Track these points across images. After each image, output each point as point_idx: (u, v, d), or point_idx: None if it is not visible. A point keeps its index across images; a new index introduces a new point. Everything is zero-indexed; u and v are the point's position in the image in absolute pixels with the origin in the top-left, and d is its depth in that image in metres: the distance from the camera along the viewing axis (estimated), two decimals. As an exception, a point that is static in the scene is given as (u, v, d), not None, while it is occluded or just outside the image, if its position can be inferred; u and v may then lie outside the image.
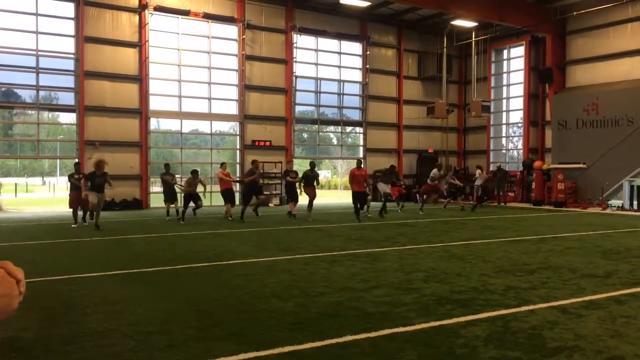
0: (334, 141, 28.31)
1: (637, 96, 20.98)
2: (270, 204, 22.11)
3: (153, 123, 22.71)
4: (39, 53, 19.82)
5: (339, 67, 25.80)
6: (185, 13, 21.86)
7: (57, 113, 22.91)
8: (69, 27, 20.40)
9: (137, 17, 21.25)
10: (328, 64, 25.51)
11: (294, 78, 24.34)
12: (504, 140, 28.17)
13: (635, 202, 20.35)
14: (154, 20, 21.57)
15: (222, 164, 17.61)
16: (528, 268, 8.12)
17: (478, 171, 21.45)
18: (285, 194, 17.34)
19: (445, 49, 26.47)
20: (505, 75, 27.34)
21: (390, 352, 4.33)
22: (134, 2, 21.12)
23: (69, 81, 20.58)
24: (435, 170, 19.36)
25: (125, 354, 4.34)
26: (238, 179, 18.09)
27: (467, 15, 22.86)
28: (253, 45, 23.39)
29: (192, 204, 15.85)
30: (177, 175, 17.97)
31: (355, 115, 26.71)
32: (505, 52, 27.16)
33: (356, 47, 26.19)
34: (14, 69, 19.71)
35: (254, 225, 14.62)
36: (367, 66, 26.03)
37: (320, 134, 26.52)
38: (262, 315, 5.45)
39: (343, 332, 4.82)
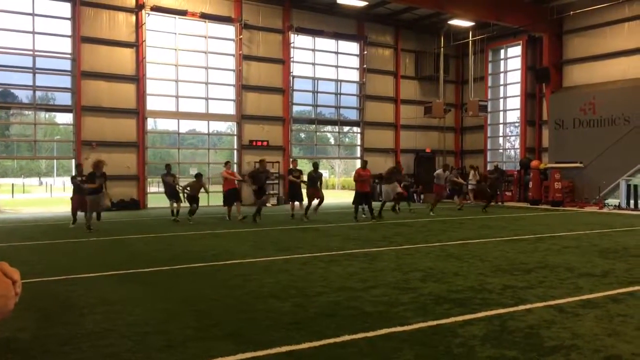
0: (332, 141, 28.32)
1: (633, 95, 21.02)
2: (267, 204, 22.08)
3: (150, 123, 22.67)
4: (36, 53, 19.77)
5: (337, 66, 25.80)
6: (182, 13, 21.83)
7: (53, 113, 22.85)
8: (66, 27, 20.36)
9: (133, 17, 21.22)
10: (325, 63, 25.51)
11: (292, 78, 24.33)
12: (501, 139, 28.20)
13: (632, 201, 20.40)
14: (150, 20, 21.54)
15: (227, 163, 17.35)
16: (525, 267, 8.14)
17: (472, 172, 21.47)
18: (289, 194, 16.97)
19: (442, 49, 26.49)
20: (502, 75, 27.37)
21: (388, 352, 4.33)
22: (130, 2, 21.08)
23: (66, 81, 20.54)
24: (440, 171, 19.35)
25: (123, 354, 4.34)
26: (242, 179, 17.53)
27: (464, 15, 22.88)
28: (250, 45, 23.38)
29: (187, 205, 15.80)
30: (177, 176, 17.71)
31: (353, 115, 26.72)
32: (502, 51, 27.19)
33: (353, 47, 26.19)
34: (11, 69, 19.66)
35: (251, 225, 14.61)
36: (365, 66, 26.04)
37: (318, 133, 26.51)
38: (260, 315, 5.45)
39: (340, 332, 4.83)
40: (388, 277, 7.39)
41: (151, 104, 21.77)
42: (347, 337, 4.69)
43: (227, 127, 24.48)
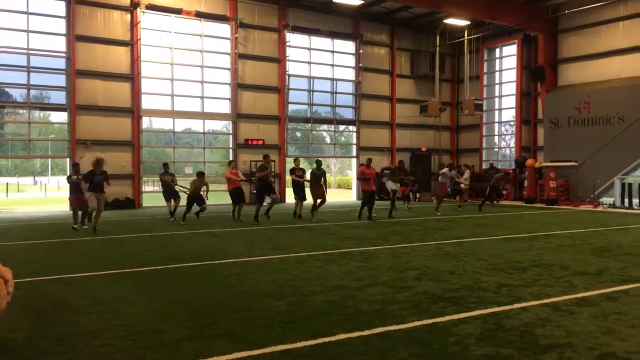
0: (327, 140, 28.29)
1: (628, 94, 21.09)
2: (265, 203, 21.99)
3: (145, 122, 22.62)
4: (30, 52, 19.70)
5: (332, 65, 25.79)
6: (177, 11, 21.79)
7: (48, 112, 22.75)
8: (60, 26, 20.28)
9: (128, 16, 21.16)
10: (321, 62, 25.50)
11: (287, 77, 24.31)
12: (496, 138, 28.27)
13: (626, 200, 20.48)
14: (145, 18, 21.48)
15: (230, 162, 17.08)
16: (520, 266, 8.16)
17: (467, 171, 21.51)
18: (293, 193, 16.33)
19: (438, 48, 26.52)
20: (497, 74, 27.43)
21: (383, 351, 4.33)
22: (125, 0, 21.03)
23: (61, 80, 20.46)
24: (446, 170, 19.34)
25: (118, 354, 4.32)
26: (246, 178, 17.09)
27: (459, 14, 22.92)
28: (246, 43, 23.35)
29: (195, 206, 15.30)
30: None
31: (348, 114, 26.72)
32: (497, 50, 27.24)
33: (349, 46, 26.19)
34: (5, 68, 19.56)
35: (247, 224, 14.59)
36: (360, 65, 26.04)
37: (313, 132, 26.52)
38: (256, 314, 5.45)
39: (336, 331, 4.82)
40: (384, 276, 7.39)
41: (146, 102, 21.73)
42: (342, 336, 4.69)
43: (222, 126, 24.45)
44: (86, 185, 13.12)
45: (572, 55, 23.82)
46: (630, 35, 21.55)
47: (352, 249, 10.01)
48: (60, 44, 20.31)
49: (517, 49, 25.76)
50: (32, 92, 20.56)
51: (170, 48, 22.06)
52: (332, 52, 25.76)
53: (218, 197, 20.66)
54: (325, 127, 27.24)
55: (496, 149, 28.18)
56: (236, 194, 15.65)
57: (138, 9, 21.12)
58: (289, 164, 26.84)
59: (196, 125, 24.00)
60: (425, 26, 26.86)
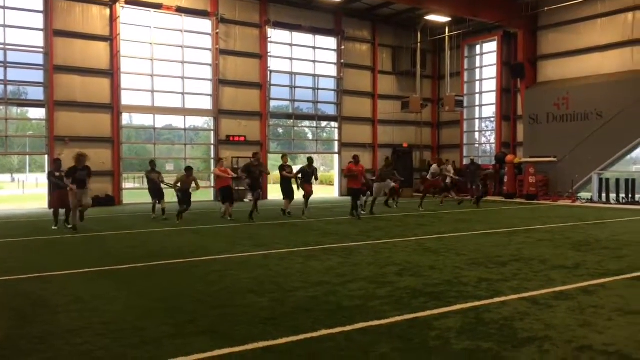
0: (309, 136, 28.27)
1: (606, 91, 21.40)
2: (245, 199, 21.99)
3: (125, 118, 22.37)
4: (7, 47, 19.34)
5: (314, 61, 25.75)
6: (157, 7, 21.55)
7: (26, 108, 22.36)
8: (38, 21, 19.95)
9: (108, 11, 20.88)
10: (303, 58, 25.45)
11: (269, 73, 24.22)
12: (477, 134, 28.48)
13: (603, 195, 20.82)
14: (125, 13, 21.22)
15: (220, 160, 16.54)
16: (500, 260, 8.25)
17: (449, 166, 21.61)
18: (281, 190, 16.02)
19: (419, 44, 26.63)
20: (478, 70, 27.63)
21: (365, 346, 4.36)
22: (104, -5, 20.77)
23: (38, 75, 20.13)
24: (435, 166, 19.34)
25: (98, 352, 4.29)
26: (236, 175, 16.78)
27: (440, 11, 23.03)
28: (227, 39, 23.21)
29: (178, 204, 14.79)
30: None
31: (330, 110, 26.72)
32: (478, 47, 27.43)
33: (331, 42, 26.17)
34: (-19, 63, 19.22)
35: (228, 221, 14.54)
36: (342, 61, 26.04)
37: (296, 128, 26.45)
38: (237, 311, 5.44)
39: (318, 327, 4.84)
40: (365, 272, 7.43)
41: (126, 98, 21.48)
42: (324, 332, 4.71)
43: (204, 122, 24.27)
44: (69, 180, 12.52)
45: (551, 52, 24.10)
46: (608, 32, 21.85)
47: (334, 245, 10.04)
48: (38, 39, 19.97)
49: (497, 46, 25.97)
50: (9, 87, 20.17)
51: (151, 43, 21.83)
52: (314, 48, 25.72)
53: (201, 194, 20.49)
54: (307, 123, 27.21)
55: (477, 145, 28.41)
56: (226, 192, 15.35)
57: (117, 4, 20.85)
58: (271, 160, 26.89)
59: (177, 121, 23.80)
60: (406, 22, 26.95)
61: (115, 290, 6.54)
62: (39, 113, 21.03)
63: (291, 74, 25.15)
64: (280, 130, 26.72)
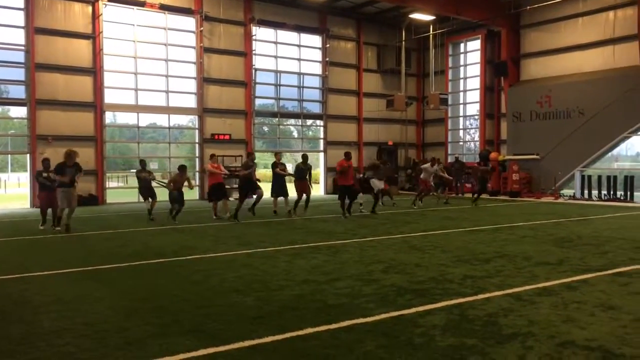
0: (295, 134, 28.22)
1: (588, 89, 21.64)
2: (230, 198, 21.84)
3: (109, 117, 22.17)
4: (-13, 44, 19.09)
5: (299, 59, 25.72)
6: (140, 4, 21.36)
7: (7, 107, 22.07)
8: (19, 18, 19.67)
9: (90, 8, 20.67)
10: (288, 56, 25.40)
11: (254, 71, 24.14)
12: (461, 132, 28.66)
13: (586, 192, 21.05)
14: (108, 11, 21.01)
15: (212, 156, 16.04)
16: (484, 257, 8.31)
17: (442, 165, 21.62)
18: (272, 188, 15.61)
19: (404, 42, 26.69)
20: (462, 69, 27.79)
21: (350, 343, 4.36)
22: (86, -8, 20.53)
23: (20, 74, 19.86)
24: (427, 165, 19.27)
25: (81, 353, 4.24)
26: (230, 173, 16.48)
27: (424, 9, 23.11)
28: (211, 37, 23.08)
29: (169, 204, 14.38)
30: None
31: (316, 108, 26.71)
32: (462, 45, 27.59)
33: (316, 40, 26.15)
34: (-40, 61, 18.91)
35: (213, 220, 14.46)
36: (327, 59, 26.04)
37: (281, 127, 26.40)
38: (222, 310, 5.41)
39: (303, 325, 4.84)
40: (351, 270, 7.43)
41: (109, 97, 21.27)
42: (310, 330, 4.70)
43: (188, 120, 24.13)
44: (58, 177, 12.14)
45: (534, 50, 24.32)
46: (590, 31, 22.10)
47: (319, 243, 10.03)
48: (19, 37, 19.69)
49: (481, 44, 26.14)
50: (-10, 86, 19.92)
51: (134, 41, 21.64)
52: (299, 46, 25.68)
53: (186, 193, 20.35)
54: (292, 121, 27.15)
55: (461, 143, 28.59)
56: (217, 189, 14.99)
57: (100, 1, 20.64)
58: (257, 159, 26.74)
59: (161, 120, 23.62)
60: (391, 21, 27.01)
61: (99, 290, 6.46)
62: (20, 112, 20.74)
63: (276, 72, 25.09)
64: (266, 129, 26.65)
